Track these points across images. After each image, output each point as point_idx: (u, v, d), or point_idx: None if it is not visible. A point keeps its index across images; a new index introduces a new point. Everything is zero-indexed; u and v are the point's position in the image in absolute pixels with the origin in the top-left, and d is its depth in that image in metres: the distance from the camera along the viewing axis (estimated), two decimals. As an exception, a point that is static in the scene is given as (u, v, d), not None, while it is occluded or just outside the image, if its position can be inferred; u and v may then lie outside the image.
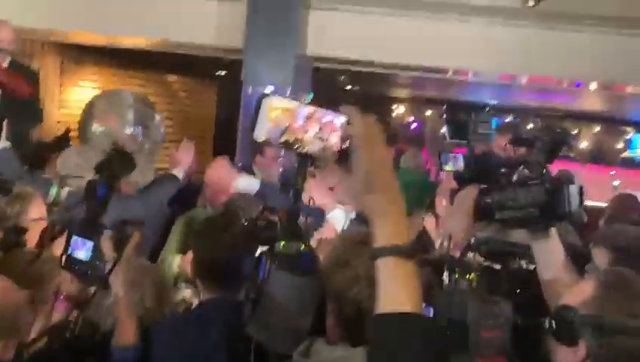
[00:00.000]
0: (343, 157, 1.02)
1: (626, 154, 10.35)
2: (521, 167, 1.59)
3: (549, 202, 1.44)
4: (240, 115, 5.39)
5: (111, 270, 1.71)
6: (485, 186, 1.59)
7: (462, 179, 1.69)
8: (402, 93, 11.69)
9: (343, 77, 8.98)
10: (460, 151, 1.91)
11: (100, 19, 5.74)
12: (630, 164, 9.89)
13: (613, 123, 10.33)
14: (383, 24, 5.60)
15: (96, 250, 1.68)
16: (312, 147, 1.04)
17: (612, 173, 8.49)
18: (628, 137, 10.43)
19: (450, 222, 1.70)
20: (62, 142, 6.70)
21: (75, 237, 1.70)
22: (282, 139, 1.06)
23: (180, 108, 8.46)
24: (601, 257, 1.98)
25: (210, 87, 8.85)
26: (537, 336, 1.56)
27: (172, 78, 8.72)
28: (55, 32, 6.42)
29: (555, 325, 1.20)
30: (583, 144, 10.03)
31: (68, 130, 7.86)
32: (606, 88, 6.96)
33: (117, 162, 1.79)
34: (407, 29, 5.58)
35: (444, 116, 1.71)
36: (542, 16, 5.02)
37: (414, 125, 12.15)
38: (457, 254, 1.62)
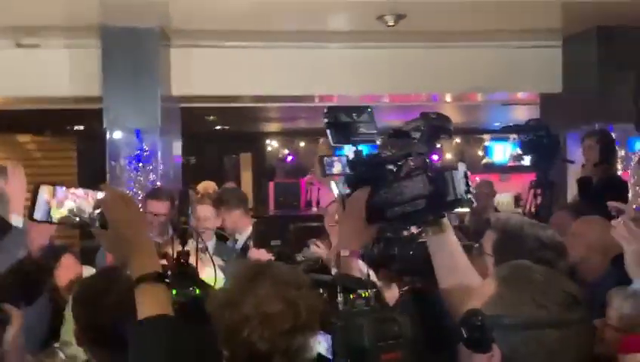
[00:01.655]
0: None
1: (486, 160, 11.10)
2: (406, 160, 1.54)
3: (434, 191, 1.38)
4: (107, 166, 5.04)
5: None
6: (374, 186, 1.50)
7: (351, 183, 1.60)
8: (273, 127, 11.74)
9: (211, 116, 8.82)
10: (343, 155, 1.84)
11: None
12: (491, 168, 10.60)
13: (471, 133, 11.06)
14: (245, 57, 5.56)
15: None
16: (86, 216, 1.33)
17: (476, 179, 9.03)
18: (485, 144, 11.22)
19: (342, 230, 1.56)
20: None
21: None
22: (55, 218, 1.31)
23: (38, 170, 7.83)
24: (488, 241, 1.97)
25: (68, 144, 8.31)
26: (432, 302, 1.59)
27: (25, 137, 8.09)
28: None
29: (465, 333, 1.12)
30: (447, 155, 10.63)
31: None
32: (459, 99, 7.43)
33: None
34: (269, 60, 5.59)
35: (325, 120, 1.62)
36: (397, 35, 5.24)
37: (289, 158, 12.23)
38: (355, 263, 1.53)
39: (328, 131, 1.60)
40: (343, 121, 1.59)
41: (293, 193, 11.15)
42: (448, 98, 7.21)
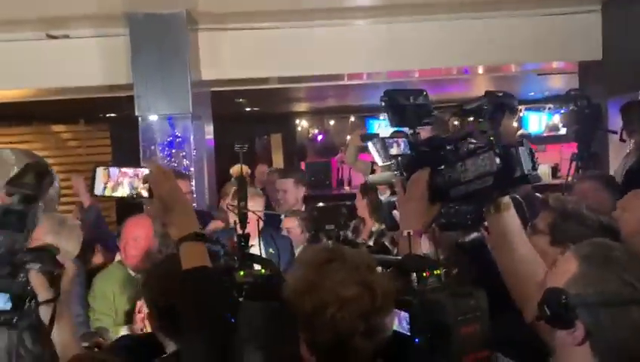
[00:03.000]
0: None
1: (521, 131, 10.88)
2: (465, 140, 1.55)
3: (502, 167, 1.39)
4: (140, 153, 5.07)
5: (53, 316, 1.39)
6: (436, 167, 1.54)
7: (410, 165, 1.63)
8: (302, 106, 11.69)
9: (241, 99, 8.79)
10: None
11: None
12: (526, 140, 10.36)
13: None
14: (273, 38, 5.50)
15: (16, 297, 1.36)
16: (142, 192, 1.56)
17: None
18: (520, 115, 10.97)
19: (405, 211, 1.60)
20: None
21: None
22: (112, 194, 1.55)
23: (74, 158, 7.94)
24: (544, 220, 2.02)
25: (101, 131, 8.40)
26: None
27: (59, 127, 8.21)
28: None
29: (547, 310, 1.15)
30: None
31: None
32: (493, 71, 7.23)
33: (33, 177, 1.46)
34: (297, 40, 5.52)
35: (382, 104, 1.65)
36: (426, 8, 5.11)
37: (320, 137, 12.17)
38: (418, 242, 1.56)
39: (386, 114, 1.63)
40: (400, 104, 1.60)
41: (324, 172, 11.13)
42: (481, 70, 7.03)
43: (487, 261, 1.65)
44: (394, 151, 1.75)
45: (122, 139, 7.62)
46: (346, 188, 10.52)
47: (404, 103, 1.64)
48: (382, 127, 10.63)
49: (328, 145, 11.85)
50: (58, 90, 5.77)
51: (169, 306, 1.82)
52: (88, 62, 5.24)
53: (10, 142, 7.35)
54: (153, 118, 5.00)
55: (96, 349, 2.13)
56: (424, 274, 1.32)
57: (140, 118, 5.00)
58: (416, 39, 5.54)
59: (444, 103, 9.61)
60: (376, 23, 5.58)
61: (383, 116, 11.39)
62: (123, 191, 1.54)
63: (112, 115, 9.21)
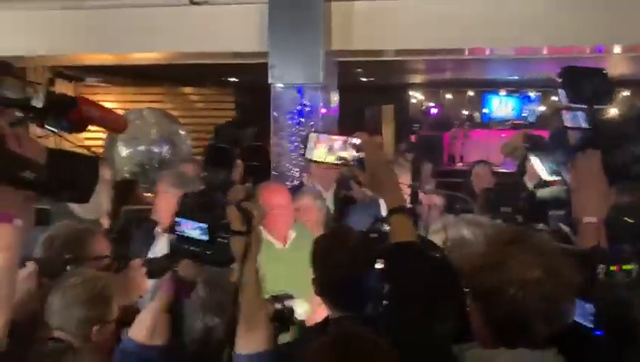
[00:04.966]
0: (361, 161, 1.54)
1: None
2: None
3: None
4: (271, 119, 5.24)
5: (246, 250, 1.33)
6: (612, 146, 1.50)
7: (586, 141, 1.58)
8: (418, 78, 11.48)
9: (358, 69, 8.79)
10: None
11: (111, 39, 5.61)
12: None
13: (640, 85, 10.09)
14: (395, 10, 5.40)
15: (214, 230, 1.35)
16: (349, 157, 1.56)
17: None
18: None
19: (582, 197, 1.56)
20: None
21: (182, 220, 1.36)
22: (321, 160, 1.58)
23: (199, 120, 8.30)
24: None
25: (226, 95, 8.70)
26: None
27: (188, 89, 8.59)
28: (65, 57, 6.30)
29: None
30: (614, 110, 9.78)
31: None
32: (632, 50, 6.74)
33: (237, 127, 1.55)
34: (421, 13, 5.39)
35: (560, 80, 1.61)
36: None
37: (434, 110, 11.93)
38: (602, 229, 1.51)
39: (562, 90, 1.59)
40: (578, 81, 1.56)
41: (436, 147, 10.95)
42: (617, 49, 6.58)
43: None
44: (569, 122, 1.69)
45: (246, 103, 7.89)
46: (459, 164, 10.33)
47: (583, 80, 1.59)
48: (501, 103, 10.29)
49: (442, 120, 11.62)
50: (193, 54, 6.03)
51: (333, 280, 1.94)
52: (227, 29, 5.40)
53: (143, 102, 7.80)
54: (284, 86, 5.12)
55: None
56: (612, 268, 1.28)
57: (272, 86, 5.14)
58: (546, 14, 5.26)
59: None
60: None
61: (503, 92, 10.97)
62: (332, 158, 1.56)
63: (235, 79, 9.53)
